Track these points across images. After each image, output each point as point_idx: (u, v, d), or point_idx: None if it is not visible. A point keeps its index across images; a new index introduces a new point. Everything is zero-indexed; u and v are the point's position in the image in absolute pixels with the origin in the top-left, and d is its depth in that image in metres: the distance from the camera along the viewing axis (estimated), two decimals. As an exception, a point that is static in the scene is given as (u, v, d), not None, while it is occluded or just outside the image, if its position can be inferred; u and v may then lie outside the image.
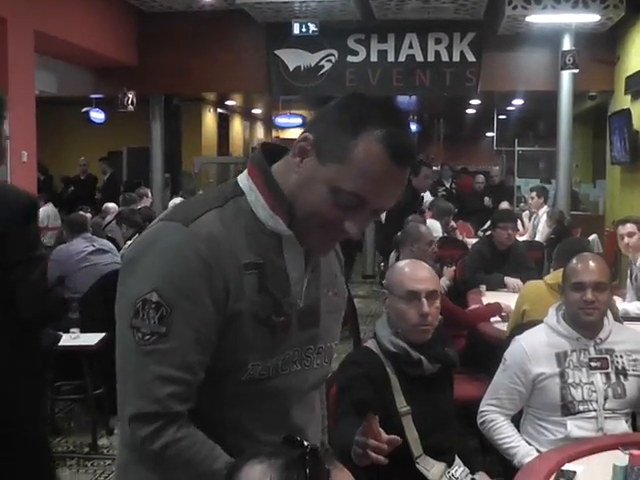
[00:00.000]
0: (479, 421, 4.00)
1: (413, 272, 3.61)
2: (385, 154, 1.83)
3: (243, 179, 2.03)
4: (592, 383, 3.79)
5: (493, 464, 4.33)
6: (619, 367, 3.84)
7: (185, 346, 1.87)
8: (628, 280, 6.91)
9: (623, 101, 13.16)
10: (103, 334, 6.39)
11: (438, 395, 3.58)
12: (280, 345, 2.00)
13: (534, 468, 3.20)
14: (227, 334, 1.93)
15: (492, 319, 6.12)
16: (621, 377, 3.83)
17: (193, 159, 18.42)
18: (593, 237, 11.98)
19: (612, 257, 10.77)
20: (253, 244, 1.95)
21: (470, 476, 3.43)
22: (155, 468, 1.95)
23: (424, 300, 3.48)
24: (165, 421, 1.87)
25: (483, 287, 7.41)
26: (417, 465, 3.35)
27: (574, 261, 4.04)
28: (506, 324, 5.73)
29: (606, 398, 3.78)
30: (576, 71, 12.83)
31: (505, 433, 3.88)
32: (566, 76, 13.25)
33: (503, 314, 6.05)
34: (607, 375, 3.82)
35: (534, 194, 12.33)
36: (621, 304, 6.44)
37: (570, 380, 3.79)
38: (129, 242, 8.57)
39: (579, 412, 3.76)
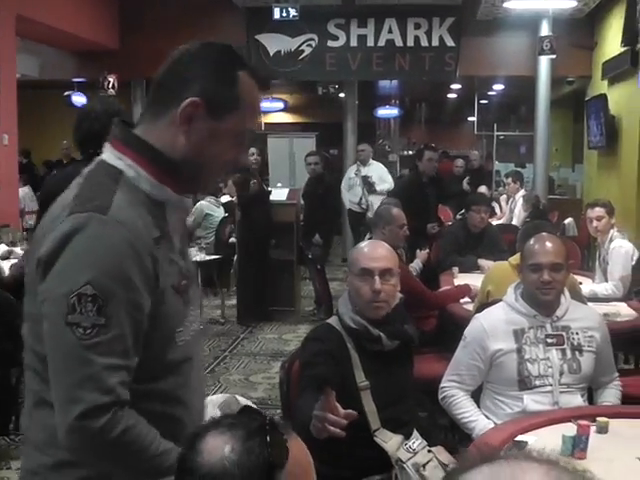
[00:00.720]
0: (440, 397, 4.10)
1: (369, 251, 3.75)
2: (256, 86, 2.09)
3: (113, 159, 2.04)
4: (548, 359, 3.89)
5: (463, 441, 4.44)
6: (575, 343, 3.95)
7: (124, 333, 1.89)
8: (597, 262, 7.04)
9: (600, 86, 13.29)
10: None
11: (397, 370, 3.69)
12: (187, 307, 2.10)
13: (487, 438, 3.31)
14: (159, 309, 1.99)
15: (462, 300, 6.21)
16: (576, 353, 3.94)
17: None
18: (569, 220, 12.14)
19: (586, 240, 10.86)
20: (152, 218, 2.02)
21: (427, 448, 3.54)
22: (105, 460, 1.94)
23: (377, 278, 3.60)
24: (118, 408, 1.88)
25: (455, 269, 7.51)
26: (375, 438, 3.47)
27: (531, 242, 4.14)
28: (474, 304, 5.85)
29: (562, 373, 3.89)
30: (553, 56, 12.95)
31: (464, 408, 3.99)
32: (544, 61, 13.38)
33: (473, 295, 6.15)
34: (563, 351, 3.93)
35: (510, 180, 12.45)
36: (590, 285, 6.58)
37: (527, 356, 3.90)
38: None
39: (535, 387, 3.87)
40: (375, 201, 12.82)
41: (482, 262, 7.60)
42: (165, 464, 1.90)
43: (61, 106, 17.74)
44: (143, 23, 14.25)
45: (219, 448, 1.63)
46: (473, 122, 22.67)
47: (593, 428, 3.32)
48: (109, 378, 1.86)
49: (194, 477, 1.62)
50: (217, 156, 2.07)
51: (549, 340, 3.94)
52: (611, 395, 4.15)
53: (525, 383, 3.89)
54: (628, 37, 11.29)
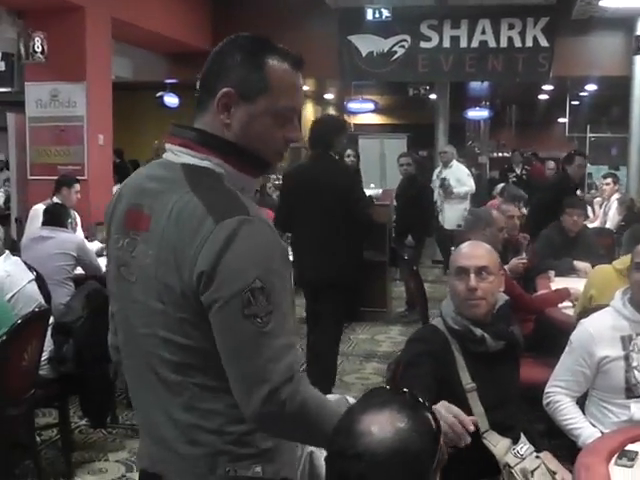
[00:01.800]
0: (545, 402, 4.06)
1: (467, 251, 3.74)
2: (289, 66, 2.21)
3: (198, 161, 2.18)
4: None
5: (559, 448, 4.38)
6: None
7: (286, 314, 2.09)
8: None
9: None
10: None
11: (503, 372, 3.65)
12: None
13: (597, 447, 3.25)
14: None
15: (561, 304, 6.10)
16: None
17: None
18: (667, 224, 11.86)
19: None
20: None
21: (535, 454, 3.49)
22: (291, 429, 2.13)
23: (472, 275, 3.58)
24: (296, 381, 2.05)
25: (552, 272, 7.41)
26: (483, 440, 3.43)
27: None
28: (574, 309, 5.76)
29: None
30: (649, 56, 12.72)
31: (570, 414, 3.94)
32: (639, 61, 13.11)
33: (573, 300, 6.04)
34: None
35: (609, 180, 12.21)
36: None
37: (635, 363, 3.84)
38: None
39: None
40: (447, 206, 12.82)
41: (579, 264, 7.48)
42: None
43: (153, 107, 18.01)
44: (235, 25, 14.28)
45: (388, 423, 1.69)
46: (564, 123, 22.35)
47: None
48: (287, 355, 2.05)
49: (372, 457, 1.66)
50: (263, 135, 2.21)
51: None
52: None
53: (632, 391, 3.84)
54: None
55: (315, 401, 2.11)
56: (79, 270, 7.00)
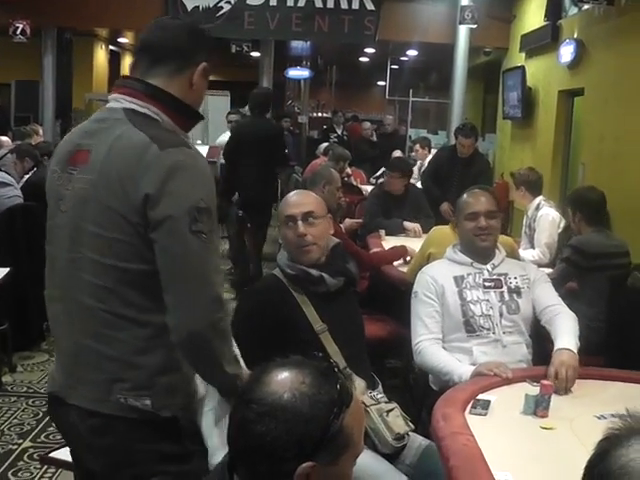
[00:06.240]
0: (416, 354, 4.13)
1: (293, 200, 3.82)
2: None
3: (139, 108, 2.49)
4: (488, 300, 4.17)
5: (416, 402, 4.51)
6: (512, 287, 4.23)
7: (217, 244, 2.41)
8: (523, 229, 7.23)
9: (517, 58, 13.50)
10: (7, 269, 6.12)
11: (347, 308, 3.82)
12: None
13: (451, 398, 3.34)
14: None
15: (396, 262, 6.27)
16: (514, 295, 4.21)
17: (84, 95, 18.12)
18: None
19: (505, 206, 11.11)
20: None
21: (387, 403, 3.57)
22: (210, 353, 2.37)
23: (299, 222, 3.69)
24: (226, 307, 2.37)
25: (382, 231, 7.57)
26: None
27: (465, 196, 4.44)
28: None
29: (501, 314, 4.14)
30: (474, 26, 13.07)
31: (440, 357, 4.01)
32: (463, 30, 13.47)
33: (408, 258, 6.19)
34: (501, 294, 4.20)
35: (418, 146, 12.53)
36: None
37: (469, 298, 4.17)
38: (27, 176, 8.39)
39: (482, 329, 4.10)
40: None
41: (407, 224, 7.70)
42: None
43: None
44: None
45: (289, 380, 1.69)
46: (384, 86, 22.69)
47: (550, 388, 3.40)
48: (219, 275, 2.40)
49: (259, 406, 1.67)
50: (202, 94, 2.67)
51: (487, 284, 4.23)
52: (566, 319, 4.10)
53: (471, 324, 4.13)
54: (552, 12, 11.49)
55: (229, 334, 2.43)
56: None
